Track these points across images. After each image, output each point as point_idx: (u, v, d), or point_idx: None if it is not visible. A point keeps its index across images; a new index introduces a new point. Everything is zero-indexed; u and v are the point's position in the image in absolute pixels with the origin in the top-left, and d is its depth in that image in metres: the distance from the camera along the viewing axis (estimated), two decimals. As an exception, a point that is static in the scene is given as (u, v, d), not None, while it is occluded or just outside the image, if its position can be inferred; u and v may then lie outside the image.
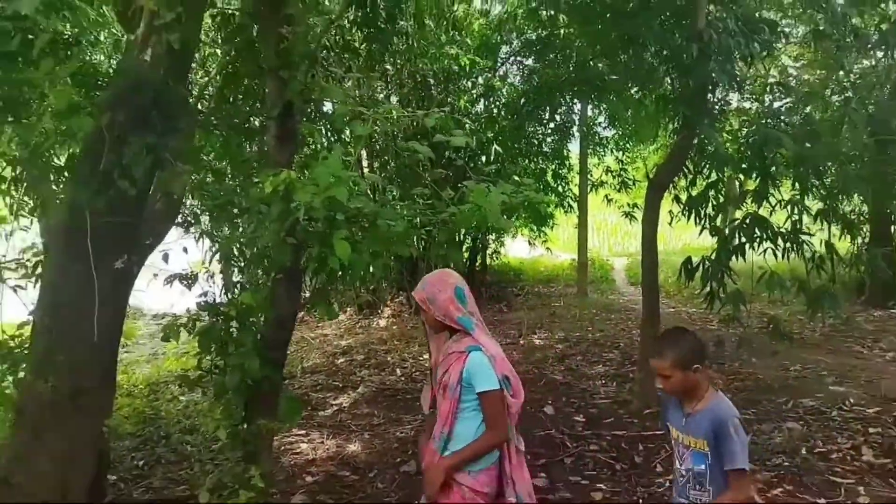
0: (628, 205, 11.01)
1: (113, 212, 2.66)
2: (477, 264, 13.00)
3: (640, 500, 4.06)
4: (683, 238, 21.04)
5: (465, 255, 12.34)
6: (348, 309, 11.20)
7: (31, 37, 3.79)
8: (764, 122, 5.16)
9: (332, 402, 6.71)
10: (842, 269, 5.90)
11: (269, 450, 3.00)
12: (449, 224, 2.78)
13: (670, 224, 6.81)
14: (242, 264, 2.87)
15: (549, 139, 12.03)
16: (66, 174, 5.49)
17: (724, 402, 2.38)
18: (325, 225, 2.61)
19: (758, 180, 5.26)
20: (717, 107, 5.66)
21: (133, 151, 2.62)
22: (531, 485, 2.65)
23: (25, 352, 4.92)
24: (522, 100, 10.07)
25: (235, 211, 2.88)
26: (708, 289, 5.63)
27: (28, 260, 5.35)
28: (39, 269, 5.09)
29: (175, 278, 2.85)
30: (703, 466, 2.39)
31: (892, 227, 10.13)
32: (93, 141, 2.78)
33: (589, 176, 12.60)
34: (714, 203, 5.68)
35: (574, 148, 12.96)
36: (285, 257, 2.58)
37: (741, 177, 5.61)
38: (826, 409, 5.38)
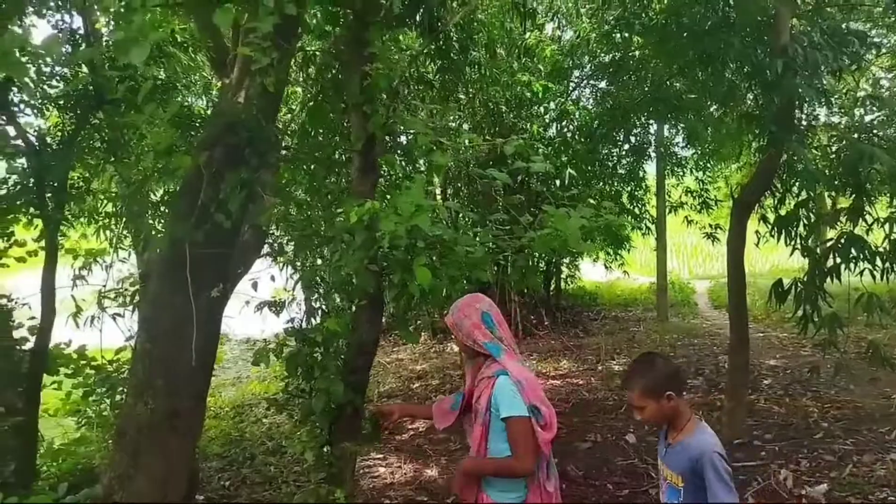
0: (710, 226, 10.65)
1: (209, 243, 2.82)
2: (551, 289, 12.87)
3: (732, 535, 3.86)
4: (771, 259, 20.13)
5: (540, 279, 12.25)
6: (423, 334, 11.28)
7: (133, 83, 4.12)
8: (856, 136, 4.92)
9: (409, 426, 6.76)
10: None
11: (352, 472, 3.07)
12: (526, 249, 2.80)
13: (757, 245, 6.55)
14: (324, 291, 2.97)
15: (623, 161, 11.87)
16: (161, 209, 5.87)
17: (704, 434, 2.22)
18: (407, 252, 2.68)
19: (852, 197, 5.02)
20: (804, 122, 5.44)
21: (229, 186, 2.77)
22: None
23: (123, 376, 5.26)
24: (596, 122, 10.01)
25: (318, 241, 3.00)
26: (801, 312, 5.39)
27: (126, 289, 5.74)
28: (137, 298, 5.45)
29: (265, 305, 2.99)
30: (675, 502, 2.27)
31: None
32: (191, 178, 2.96)
33: (667, 197, 12.30)
34: (805, 222, 5.44)
35: (650, 169, 12.73)
36: (368, 284, 2.66)
37: (833, 194, 5.37)
38: (935, 441, 5.00)
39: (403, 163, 2.89)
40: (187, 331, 2.89)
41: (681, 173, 12.10)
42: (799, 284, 5.53)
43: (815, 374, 5.23)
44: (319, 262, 2.87)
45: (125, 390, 5.25)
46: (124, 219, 5.99)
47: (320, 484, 3.08)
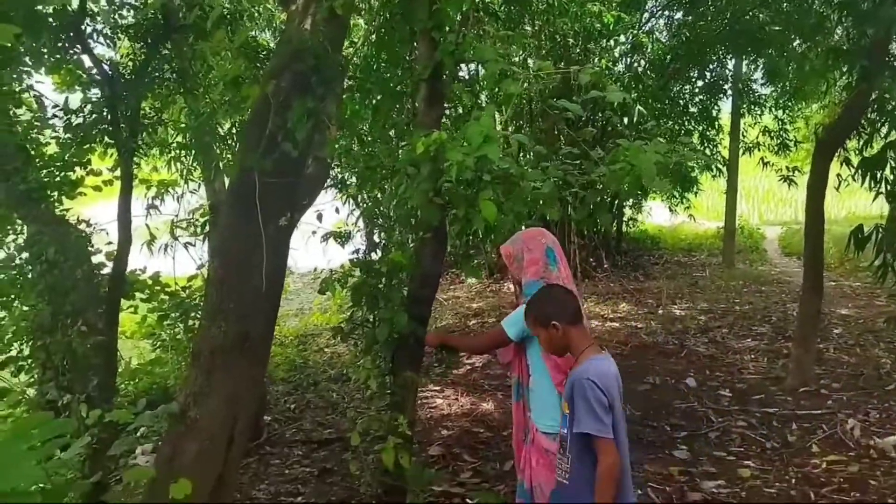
0: (787, 168, 10.10)
1: (277, 173, 2.84)
2: (613, 231, 12.62)
3: (793, 480, 3.82)
4: (848, 206, 19.12)
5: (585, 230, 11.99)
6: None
7: (201, 12, 4.13)
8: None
9: (465, 360, 6.86)
10: None
11: (413, 401, 3.13)
12: (598, 184, 2.71)
13: (837, 189, 6.20)
14: (387, 225, 2.97)
15: (697, 98, 11.31)
16: (229, 141, 5.96)
17: (590, 363, 2.20)
18: (472, 185, 2.64)
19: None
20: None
21: (296, 115, 2.77)
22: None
23: (195, 302, 5.49)
24: (669, 57, 9.51)
25: (381, 173, 2.98)
26: (880, 260, 5.12)
27: (197, 220, 5.91)
28: (207, 228, 5.62)
29: (330, 236, 3.02)
30: (564, 430, 2.26)
31: None
32: (260, 108, 2.97)
33: (742, 137, 11.71)
34: (893, 165, 5.09)
35: (725, 108, 12.09)
36: (433, 217, 2.64)
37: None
38: None
39: (476, 94, 2.80)
40: (256, 258, 2.97)
41: (758, 112, 11.45)
42: (880, 230, 5.25)
43: (892, 325, 4.98)
44: (382, 195, 2.85)
45: (199, 315, 5.52)
46: (194, 150, 6.15)
47: (382, 411, 3.18)
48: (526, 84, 2.32)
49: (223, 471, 3.03)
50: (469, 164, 2.13)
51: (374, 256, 3.18)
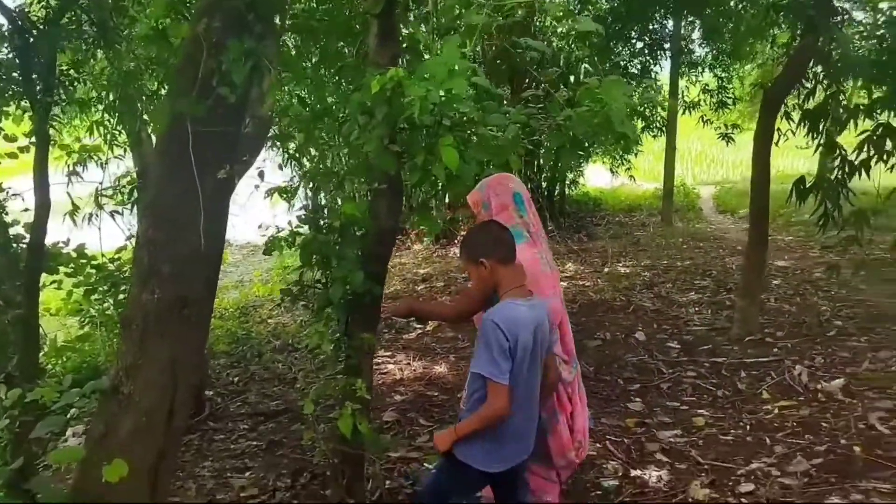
0: (726, 126, 10.26)
1: (213, 120, 2.57)
2: (556, 193, 12.65)
3: (748, 427, 3.86)
4: (776, 165, 19.77)
5: (544, 184, 11.97)
6: (425, 239, 11.13)
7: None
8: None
9: (415, 325, 6.71)
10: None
11: (370, 364, 2.96)
12: (562, 129, 2.56)
13: (776, 144, 6.30)
14: (336, 179, 2.74)
15: (636, 59, 11.33)
16: (157, 102, 5.54)
17: (503, 306, 2.13)
18: (431, 131, 2.45)
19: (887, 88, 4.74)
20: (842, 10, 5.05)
21: (232, 56, 2.50)
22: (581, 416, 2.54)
23: (125, 275, 5.14)
24: (609, 18, 9.42)
25: (332, 120, 2.75)
26: (821, 210, 5.23)
27: (123, 187, 5.49)
28: (135, 196, 5.22)
29: (275, 191, 2.78)
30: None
31: None
32: (190, 50, 2.68)
33: (682, 97, 11.83)
34: (834, 116, 5.16)
35: (662, 70, 12.16)
36: (390, 166, 2.44)
37: (867, 86, 5.06)
38: (950, 338, 4.96)
39: (428, 30, 2.59)
40: (193, 214, 2.70)
41: (696, 73, 11.58)
42: (824, 182, 5.35)
43: (833, 273, 5.11)
44: (331, 146, 2.62)
45: (129, 284, 5.16)
46: (117, 113, 5.69)
47: (336, 376, 2.99)
48: (486, 19, 2.12)
49: (163, 446, 2.80)
50: (434, 100, 1.93)
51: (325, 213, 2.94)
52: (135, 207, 5.26)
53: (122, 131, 6.02)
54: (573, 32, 8.93)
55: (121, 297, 5.02)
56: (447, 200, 9.66)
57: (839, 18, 4.98)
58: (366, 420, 2.68)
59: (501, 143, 2.51)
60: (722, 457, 3.53)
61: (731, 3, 8.87)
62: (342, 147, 2.60)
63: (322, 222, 2.63)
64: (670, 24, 10.90)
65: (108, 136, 6.26)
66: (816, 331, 5.43)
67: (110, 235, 5.38)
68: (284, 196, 2.87)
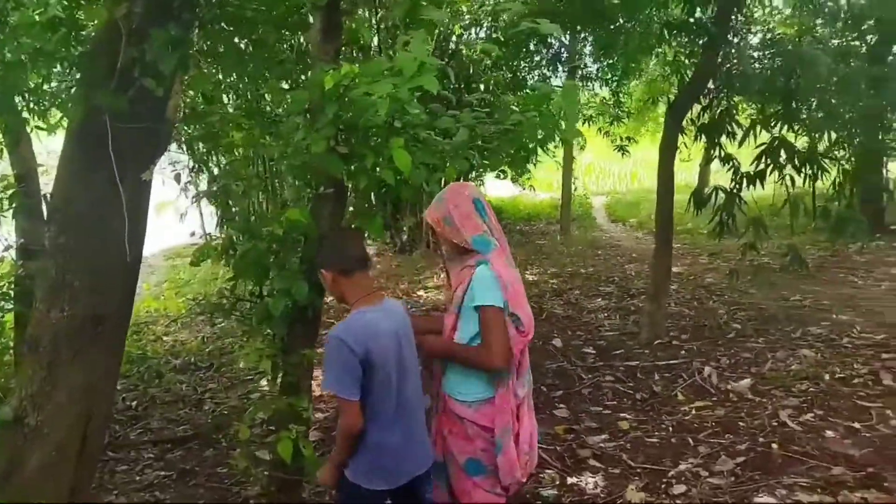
0: (620, 138, 10.76)
1: (135, 115, 2.31)
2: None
3: (670, 428, 3.99)
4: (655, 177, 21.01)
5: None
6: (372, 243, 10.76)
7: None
8: (798, 40, 4.95)
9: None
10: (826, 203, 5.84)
11: (310, 382, 2.77)
12: (511, 134, 2.52)
13: (682, 158, 6.64)
14: (276, 180, 2.54)
15: (534, 73, 11.62)
16: (41, 100, 5.01)
17: (349, 318, 2.08)
18: (382, 132, 2.33)
19: (781, 104, 5.11)
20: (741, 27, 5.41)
21: (156, 45, 2.26)
22: (522, 428, 2.34)
23: (2, 289, 4.58)
24: (509, 31, 9.62)
25: (268, 119, 2.55)
26: (717, 219, 5.55)
27: (2, 191, 4.91)
28: (13, 203, 4.68)
29: (203, 196, 2.53)
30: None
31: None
32: (104, 36, 2.40)
33: (580, 112, 12.26)
34: (729, 129, 5.51)
35: (558, 83, 12.58)
36: (336, 169, 2.29)
37: (760, 101, 5.44)
38: (835, 336, 5.38)
39: (379, 28, 2.44)
40: (110, 219, 2.42)
41: (589, 87, 12.06)
42: (719, 191, 5.69)
43: (736, 278, 5.43)
44: (276, 144, 2.41)
45: (7, 304, 4.60)
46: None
47: (274, 395, 2.78)
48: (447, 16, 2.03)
49: (75, 483, 2.48)
50: (404, 97, 1.81)
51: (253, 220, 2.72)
52: (14, 215, 4.73)
53: (-1, 130, 5.41)
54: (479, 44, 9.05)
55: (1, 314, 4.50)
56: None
57: (737, 38, 5.34)
58: (309, 443, 2.50)
59: (455, 146, 2.43)
60: (651, 459, 3.61)
61: (622, 21, 9.26)
62: (277, 148, 2.40)
63: (261, 229, 2.41)
64: (566, 39, 11.28)
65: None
66: (717, 333, 5.75)
67: (-15, 246, 4.79)
68: (213, 201, 2.63)
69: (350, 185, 2.56)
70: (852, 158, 5.84)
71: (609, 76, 11.04)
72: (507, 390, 2.29)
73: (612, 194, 19.14)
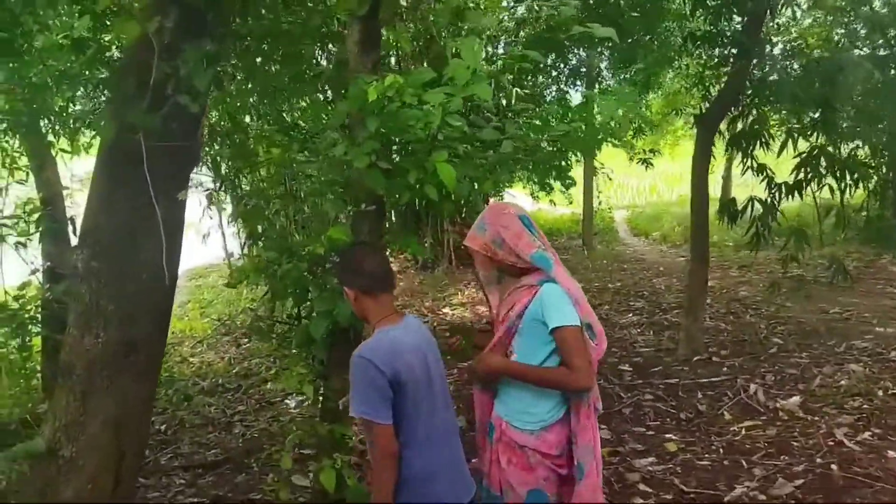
0: (644, 151, 10.62)
1: (169, 133, 2.24)
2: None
3: (721, 450, 3.80)
4: (678, 190, 20.81)
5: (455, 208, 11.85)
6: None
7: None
8: (838, 44, 4.82)
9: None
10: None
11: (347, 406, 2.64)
12: (556, 145, 2.41)
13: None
14: (311, 198, 2.45)
15: (552, 87, 11.54)
16: (67, 121, 4.99)
17: (373, 339, 1.96)
18: (425, 146, 2.23)
19: (819, 112, 4.95)
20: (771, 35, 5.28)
21: (191, 61, 2.18)
22: (597, 446, 2.19)
23: (30, 314, 4.53)
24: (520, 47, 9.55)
25: (302, 135, 2.47)
26: (754, 230, 5.37)
27: (28, 214, 4.88)
28: (40, 226, 4.64)
29: (238, 216, 2.45)
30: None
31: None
32: (135, 53, 2.34)
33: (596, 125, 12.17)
34: (762, 140, 5.36)
35: (577, 97, 12.48)
36: (377, 184, 2.18)
37: (796, 110, 5.29)
38: (882, 350, 5.18)
39: (421, 38, 2.37)
40: (143, 242, 2.34)
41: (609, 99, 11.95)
42: (755, 202, 5.51)
43: (774, 290, 5.25)
44: (315, 160, 2.32)
45: (35, 328, 4.53)
46: (19, 132, 5.09)
47: (305, 418, 2.66)
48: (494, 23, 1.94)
49: (110, 519, 2.38)
50: (457, 107, 1.71)
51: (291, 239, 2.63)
52: (41, 238, 4.70)
53: (24, 152, 5.41)
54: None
55: (28, 339, 4.43)
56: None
57: (768, 47, 5.21)
58: (351, 472, 2.37)
59: (501, 158, 2.33)
60: (704, 483, 3.43)
61: (641, 34, 9.14)
62: (316, 164, 2.31)
63: (299, 248, 2.31)
64: (583, 53, 11.20)
65: (8, 159, 5.60)
66: (758, 348, 5.56)
67: (13, 269, 4.76)
68: (243, 222, 2.54)
69: (388, 202, 2.46)
70: (884, 168, 5.68)
71: (628, 90, 10.94)
72: (588, 408, 2.17)
73: (632, 208, 18.93)
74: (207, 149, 3.92)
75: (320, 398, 2.52)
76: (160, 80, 2.25)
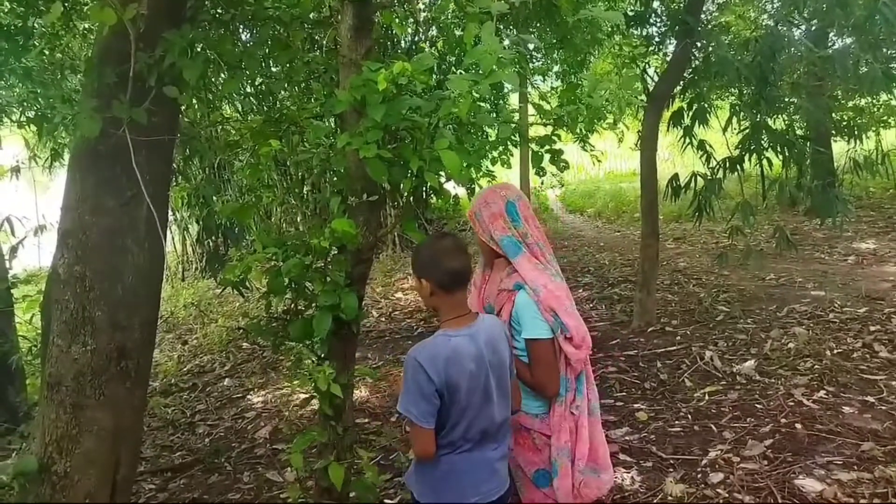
0: (582, 130, 10.82)
1: (154, 128, 2.12)
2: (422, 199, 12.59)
3: (689, 416, 3.98)
4: (604, 167, 21.35)
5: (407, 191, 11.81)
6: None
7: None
8: (775, 24, 5.04)
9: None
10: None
11: (350, 404, 2.61)
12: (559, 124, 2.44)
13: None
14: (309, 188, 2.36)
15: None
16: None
17: (430, 341, 1.90)
18: (426, 134, 2.20)
19: (756, 89, 5.17)
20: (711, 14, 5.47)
21: (176, 50, 2.06)
22: (578, 452, 2.18)
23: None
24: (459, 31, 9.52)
25: (290, 126, 2.38)
26: (696, 205, 5.59)
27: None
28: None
29: (230, 212, 2.33)
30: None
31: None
32: (111, 42, 2.19)
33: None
34: (699, 118, 5.56)
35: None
36: (380, 174, 2.14)
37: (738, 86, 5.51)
38: (820, 313, 5.53)
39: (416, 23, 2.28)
40: (130, 243, 2.21)
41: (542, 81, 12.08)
42: (698, 177, 5.73)
43: (722, 260, 5.48)
44: (313, 151, 2.24)
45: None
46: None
47: (324, 422, 2.56)
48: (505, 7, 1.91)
49: (108, 535, 2.26)
50: (485, 94, 1.69)
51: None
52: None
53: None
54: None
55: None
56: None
57: (710, 25, 5.39)
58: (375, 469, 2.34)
59: (499, 140, 2.32)
60: (680, 449, 3.59)
61: (573, 17, 9.27)
62: (317, 154, 2.24)
63: (303, 241, 2.24)
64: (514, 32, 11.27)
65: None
66: (705, 317, 5.82)
67: None
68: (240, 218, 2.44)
69: (385, 191, 2.42)
70: (809, 141, 6.02)
71: (556, 70, 11.10)
72: (564, 409, 2.20)
73: (563, 186, 19.32)
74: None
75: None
76: (142, 71, 2.12)
